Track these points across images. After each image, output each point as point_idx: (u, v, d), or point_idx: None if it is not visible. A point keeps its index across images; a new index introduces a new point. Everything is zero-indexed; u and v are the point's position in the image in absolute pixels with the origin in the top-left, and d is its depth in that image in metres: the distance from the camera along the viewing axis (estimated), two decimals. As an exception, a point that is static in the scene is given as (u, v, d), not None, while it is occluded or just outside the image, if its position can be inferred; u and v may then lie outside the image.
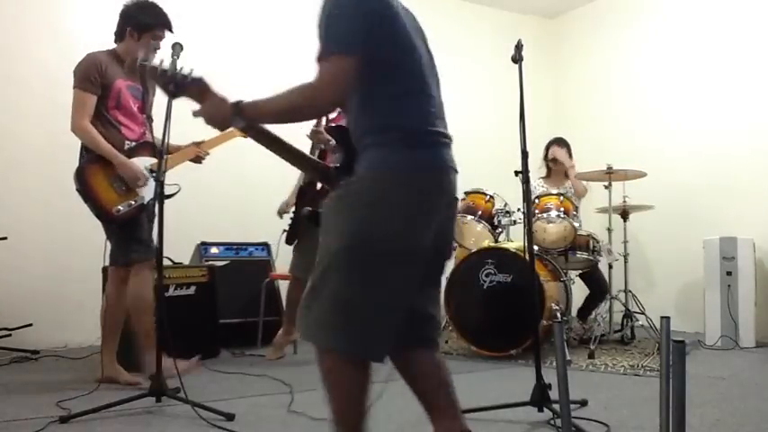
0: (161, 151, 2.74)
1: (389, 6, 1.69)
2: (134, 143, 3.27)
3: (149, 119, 3.35)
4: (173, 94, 1.93)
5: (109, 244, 3.20)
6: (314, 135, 3.58)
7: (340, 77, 1.62)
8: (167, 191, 2.92)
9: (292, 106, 1.69)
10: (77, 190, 3.15)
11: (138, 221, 3.20)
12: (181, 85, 1.85)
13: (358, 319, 1.63)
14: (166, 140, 2.70)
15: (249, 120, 1.72)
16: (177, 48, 2.91)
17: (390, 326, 1.68)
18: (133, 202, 3.18)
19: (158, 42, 3.24)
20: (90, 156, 3.16)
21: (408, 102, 1.71)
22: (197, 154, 3.41)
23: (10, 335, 4.03)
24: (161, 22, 3.26)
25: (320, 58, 1.64)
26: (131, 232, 3.19)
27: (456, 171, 1.78)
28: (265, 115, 1.74)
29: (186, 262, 4.36)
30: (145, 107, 3.34)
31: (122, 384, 3.11)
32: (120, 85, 3.24)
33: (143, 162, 3.23)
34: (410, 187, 1.67)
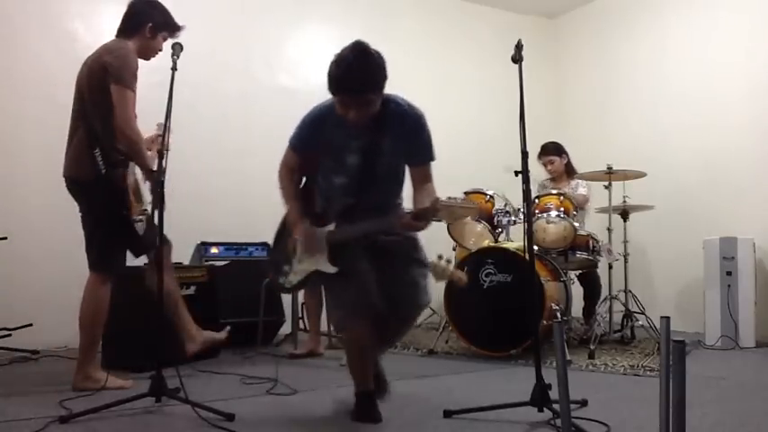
0: (160, 151, 2.72)
1: None
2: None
3: None
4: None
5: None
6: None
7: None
8: None
9: None
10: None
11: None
12: None
13: None
14: (166, 139, 2.70)
15: None
16: (177, 48, 2.92)
17: None
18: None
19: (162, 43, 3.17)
20: (120, 160, 2.98)
21: None
22: None
23: (10, 335, 4.03)
24: (174, 23, 3.20)
25: None
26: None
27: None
28: None
29: (186, 262, 4.35)
30: None
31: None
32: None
33: None
34: None
